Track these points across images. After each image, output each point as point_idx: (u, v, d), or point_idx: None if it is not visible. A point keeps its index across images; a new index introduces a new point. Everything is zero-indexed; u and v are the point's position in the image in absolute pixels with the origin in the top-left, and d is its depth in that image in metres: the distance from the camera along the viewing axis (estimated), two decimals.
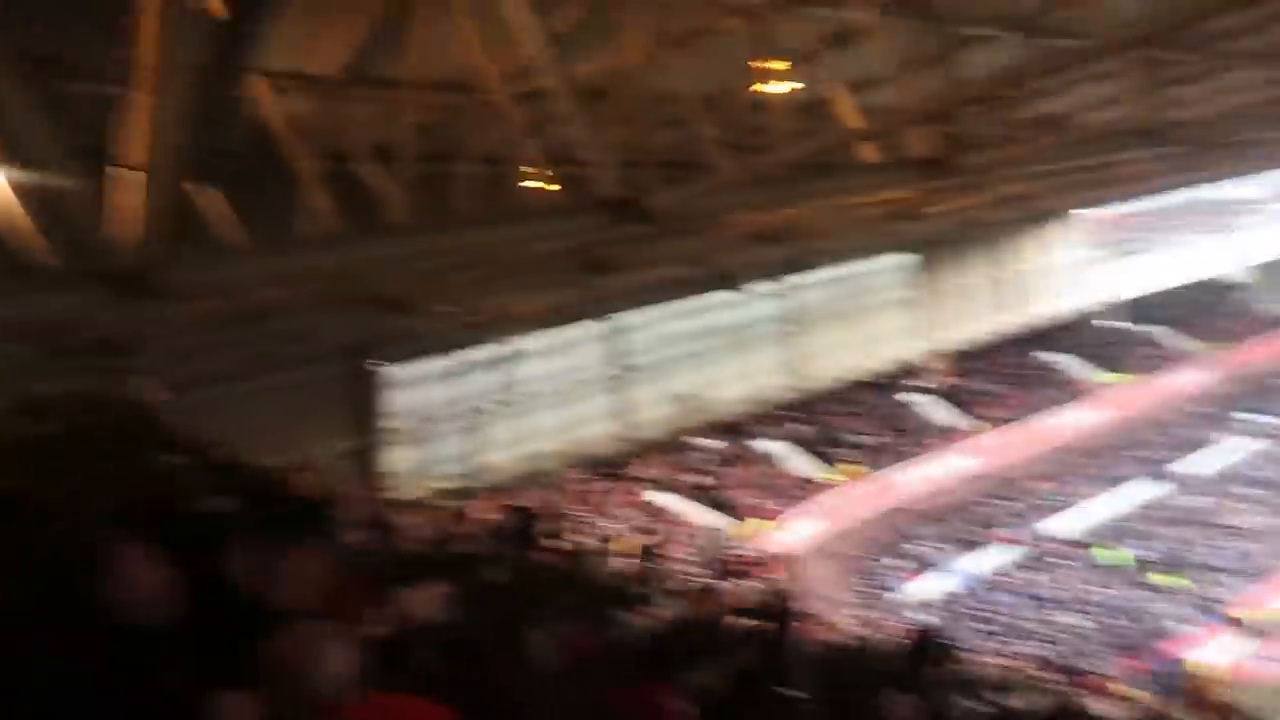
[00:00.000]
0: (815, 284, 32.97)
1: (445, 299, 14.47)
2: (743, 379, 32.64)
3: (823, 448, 31.92)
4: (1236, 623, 24.25)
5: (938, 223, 21.95)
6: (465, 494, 20.74)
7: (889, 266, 34.95)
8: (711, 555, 22.61)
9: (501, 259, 10.74)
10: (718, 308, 31.74)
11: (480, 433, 26.39)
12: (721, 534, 25.14)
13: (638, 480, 27.51)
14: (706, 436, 31.13)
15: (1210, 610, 24.69)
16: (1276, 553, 27.11)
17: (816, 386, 33.25)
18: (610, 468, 28.06)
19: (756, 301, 32.71)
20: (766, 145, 9.63)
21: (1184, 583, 25.40)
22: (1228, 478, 31.60)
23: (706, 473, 29.06)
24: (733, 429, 32.11)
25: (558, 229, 8.72)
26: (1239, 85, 9.79)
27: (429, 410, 25.48)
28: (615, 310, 28.82)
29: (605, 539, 16.34)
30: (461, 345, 25.05)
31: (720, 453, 30.76)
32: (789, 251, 20.58)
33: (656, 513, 25.70)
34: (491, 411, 26.71)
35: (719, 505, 27.20)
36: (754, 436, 32.00)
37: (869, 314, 34.24)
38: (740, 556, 23.44)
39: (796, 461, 30.90)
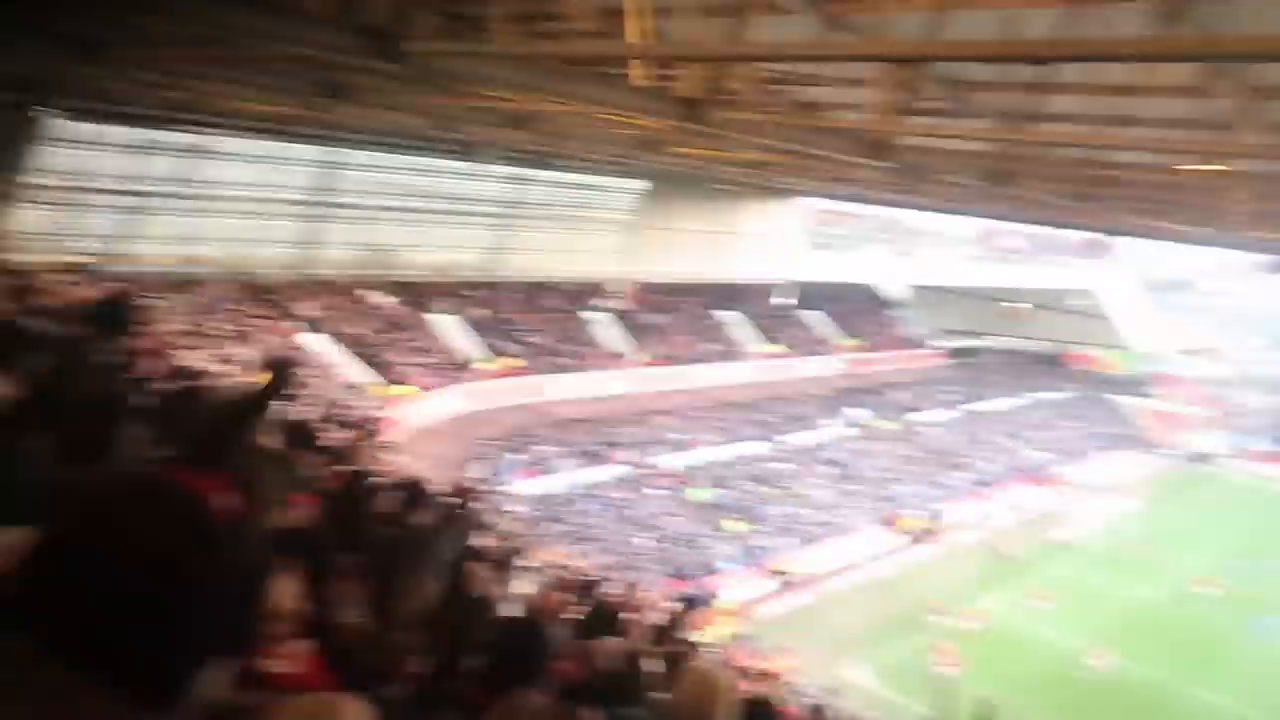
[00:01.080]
0: (544, 181, 34.30)
1: (141, 62, 13.22)
2: (441, 250, 33.77)
3: (493, 337, 34.28)
4: (772, 572, 30.19)
5: (675, 162, 23.59)
6: (92, 274, 20.14)
7: (616, 188, 37.03)
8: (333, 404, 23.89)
9: (229, 41, 10.25)
10: (443, 174, 32.18)
11: (141, 218, 25.30)
12: (360, 387, 26.47)
13: (295, 317, 27.98)
14: (384, 293, 32.18)
15: (756, 557, 30.45)
16: (826, 522, 33.73)
17: (509, 277, 35.23)
18: (271, 295, 28.26)
19: (483, 181, 33.53)
20: (551, 32, 9.92)
21: (744, 528, 30.95)
22: (814, 453, 38.16)
23: (369, 328, 30.19)
24: (412, 293, 33.40)
25: (302, 35, 8.13)
26: (966, 130, 10.98)
27: (91, 178, 23.92)
28: (338, 141, 28.31)
29: (228, 360, 16.88)
30: (154, 119, 23.36)
31: (392, 312, 31.98)
32: (532, 141, 21.46)
33: (303, 353, 26.45)
34: (162, 200, 25.63)
35: (370, 362, 28.53)
36: (430, 308, 33.57)
37: (583, 226, 36.46)
38: (366, 415, 25.05)
39: (462, 341, 32.89)
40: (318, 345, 27.23)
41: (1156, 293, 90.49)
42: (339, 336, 28.55)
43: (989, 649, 26.90)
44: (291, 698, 2.04)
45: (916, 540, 35.25)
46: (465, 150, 26.98)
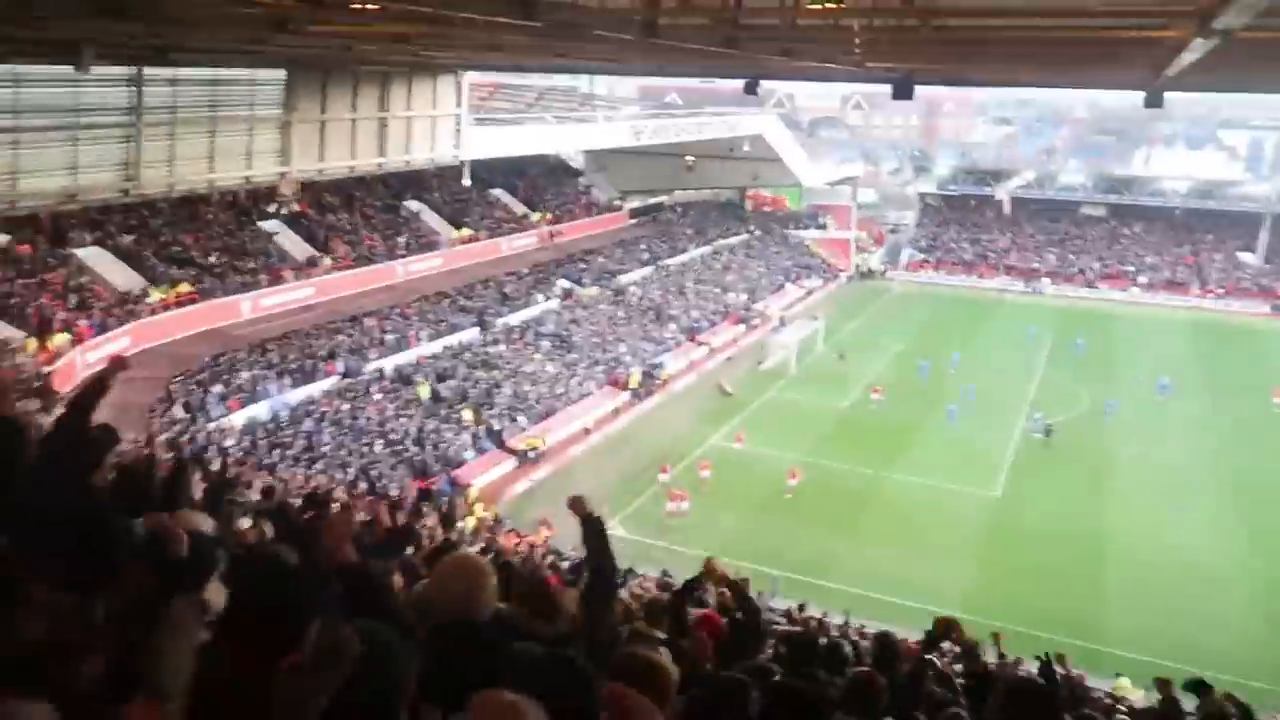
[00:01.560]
0: (167, 79, 30.58)
1: None
2: (61, 173, 29.25)
3: (154, 264, 30.74)
4: (513, 451, 30.67)
5: (312, 43, 22.01)
6: None
7: (253, 80, 33.89)
8: None
9: None
10: (45, 82, 27.61)
11: None
12: (8, 346, 22.94)
13: None
14: (3, 232, 27.63)
15: (495, 440, 30.74)
16: (554, 394, 34.60)
17: (153, 194, 31.47)
18: None
19: (96, 87, 29.19)
20: None
21: (475, 415, 31.01)
22: (528, 331, 38.68)
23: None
24: (41, 227, 28.97)
25: None
26: None
27: None
28: None
29: None
30: None
31: (20, 253, 27.63)
32: (147, 33, 18.69)
33: None
34: None
35: (12, 315, 24.67)
36: (68, 241, 29.34)
37: (225, 126, 33.05)
38: (37, 375, 21.92)
39: (115, 274, 29.24)
40: None
41: (809, 130, 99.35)
42: None
43: (716, 482, 29.46)
44: None
45: (641, 396, 37.19)
46: (69, 53, 23.22)
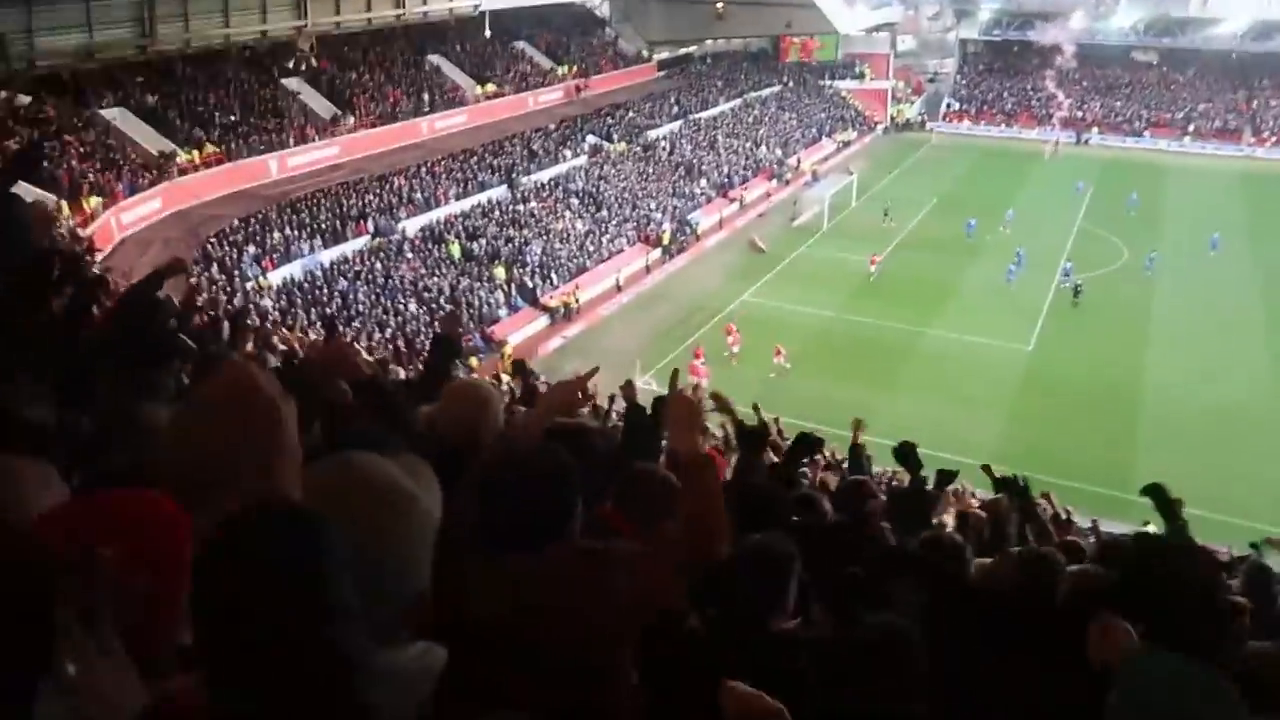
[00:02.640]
0: None
1: None
2: (74, 30, 28.71)
3: (178, 123, 30.51)
4: (545, 309, 30.93)
5: None
6: None
7: None
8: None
9: None
10: None
11: None
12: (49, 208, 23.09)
13: None
14: (24, 92, 27.38)
15: (527, 298, 30.97)
16: (586, 251, 34.56)
17: (170, 50, 30.92)
18: None
19: None
20: None
21: (505, 274, 31.13)
22: (558, 187, 38.32)
23: (20, 136, 25.86)
24: (58, 89, 28.68)
25: None
26: None
27: None
28: None
29: None
30: None
31: (44, 115, 27.45)
32: None
33: None
34: None
35: (42, 178, 24.70)
36: (90, 102, 29.09)
37: None
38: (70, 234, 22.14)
39: (143, 135, 29.10)
40: None
41: None
42: None
43: (759, 328, 29.54)
44: None
45: (673, 253, 37.06)
46: None
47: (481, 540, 2.05)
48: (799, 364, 27.78)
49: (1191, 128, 59.09)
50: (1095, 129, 60.06)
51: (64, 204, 23.95)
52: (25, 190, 22.46)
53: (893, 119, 62.70)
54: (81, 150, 26.79)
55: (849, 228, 41.42)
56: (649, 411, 4.64)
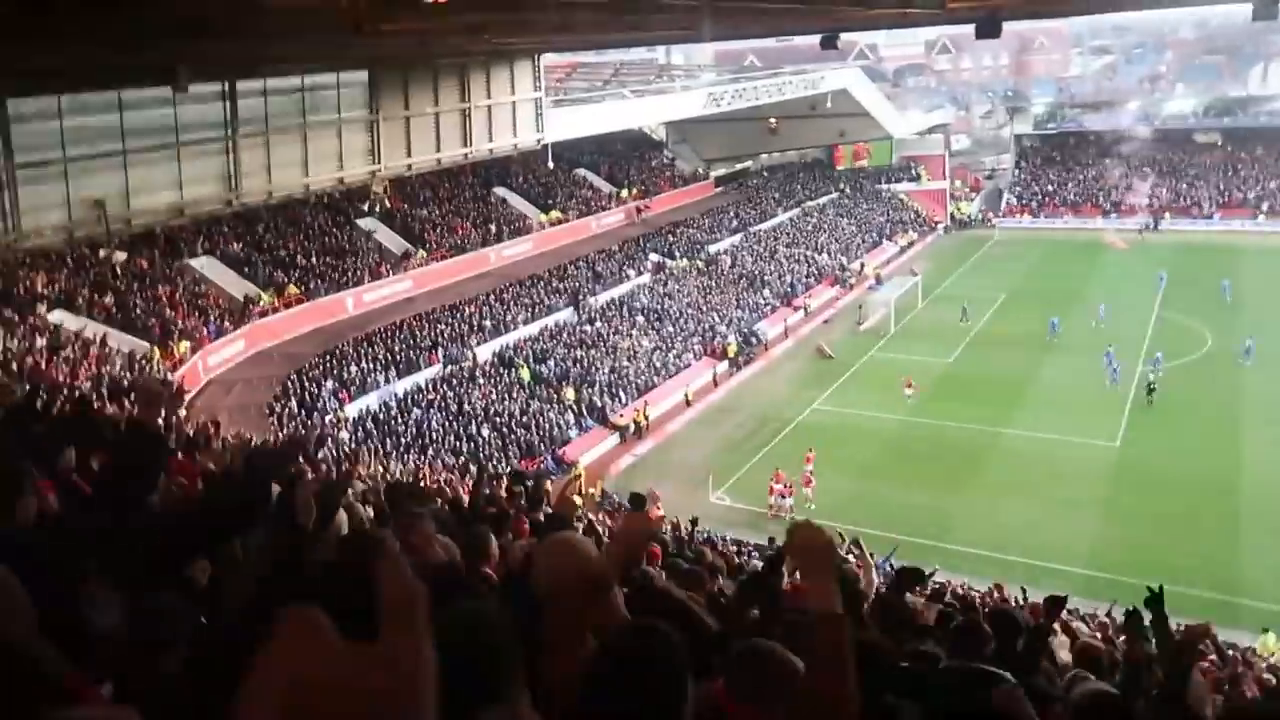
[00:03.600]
0: (256, 91, 31.89)
1: None
2: (170, 188, 30.85)
3: (261, 269, 32.15)
4: (615, 427, 31.09)
5: (393, 41, 22.71)
6: None
7: (339, 84, 34.94)
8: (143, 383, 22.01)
9: None
10: (147, 105, 29.21)
11: None
12: (137, 357, 24.38)
13: (31, 296, 25.05)
14: (122, 249, 29.27)
15: (596, 417, 31.20)
16: (650, 369, 34.87)
17: (254, 202, 32.83)
18: None
19: (193, 104, 30.75)
20: None
21: (574, 395, 31.51)
22: (623, 307, 39.01)
23: (121, 290, 27.56)
24: (156, 242, 30.60)
25: None
26: None
27: None
28: (8, 92, 25.08)
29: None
30: None
31: (140, 268, 29.26)
32: (232, 48, 19.70)
33: (59, 334, 23.86)
34: None
35: (136, 328, 26.18)
36: (181, 253, 30.94)
37: (316, 131, 34.23)
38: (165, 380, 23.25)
39: (228, 281, 30.71)
40: (72, 322, 24.57)
41: (894, 80, 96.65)
42: (91, 308, 25.89)
43: (830, 435, 29.19)
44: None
45: (740, 364, 37.17)
46: (166, 74, 24.49)
47: None
48: (875, 472, 27.29)
49: (1265, 206, 57.89)
50: (1166, 214, 58.99)
51: (155, 349, 25.27)
52: (122, 340, 23.75)
53: (953, 217, 62.85)
54: (171, 299, 28.34)
55: (917, 328, 41.16)
56: (769, 563, 4.58)
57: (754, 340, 39.06)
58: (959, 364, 36.49)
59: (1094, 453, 28.10)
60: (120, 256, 28.89)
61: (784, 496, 25.40)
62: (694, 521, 21.59)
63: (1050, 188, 65.16)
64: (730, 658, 2.69)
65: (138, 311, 26.86)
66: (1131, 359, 34.21)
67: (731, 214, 52.78)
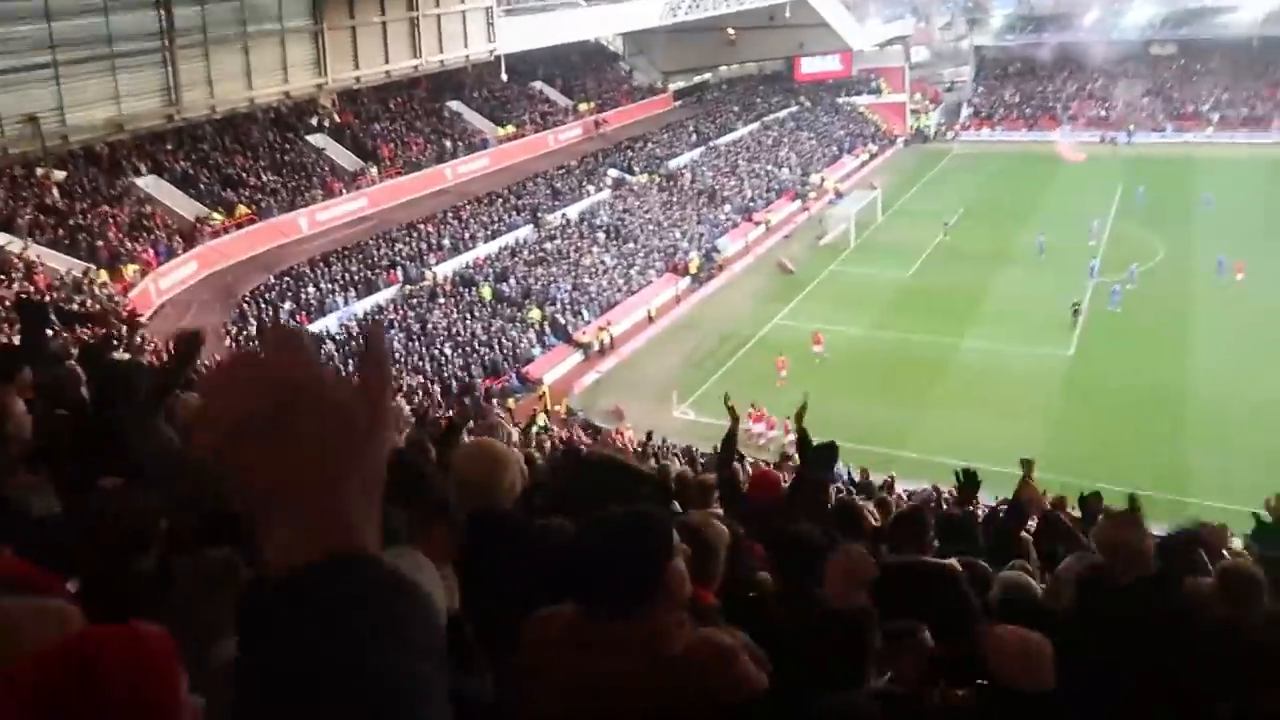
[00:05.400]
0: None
1: None
2: (107, 101, 29.57)
3: (209, 186, 31.18)
4: (579, 344, 31.04)
5: None
6: None
7: None
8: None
9: None
10: (75, 12, 27.84)
11: None
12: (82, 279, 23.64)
13: None
14: (60, 168, 28.15)
15: (560, 336, 31.10)
16: (615, 285, 34.71)
17: (197, 116, 31.64)
18: None
19: (124, 11, 29.38)
20: None
21: (539, 314, 31.32)
22: (583, 224, 38.59)
23: (63, 210, 26.60)
24: (97, 160, 29.47)
25: None
26: None
27: None
28: None
29: None
30: None
31: (78, 187, 28.20)
32: None
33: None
34: None
35: (77, 248, 25.34)
36: (125, 172, 29.84)
37: (257, 41, 32.85)
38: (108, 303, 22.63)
39: (176, 200, 29.76)
40: (8, 243, 23.65)
41: None
42: (30, 227, 24.95)
43: (793, 350, 29.35)
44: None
45: (702, 280, 37.12)
46: None
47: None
48: (836, 384, 27.57)
49: (1216, 118, 58.38)
50: (1131, 127, 58.72)
51: (104, 272, 24.53)
52: (68, 264, 23.04)
53: (913, 130, 62.60)
54: (118, 219, 27.42)
55: (877, 243, 41.30)
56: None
57: (714, 256, 38.95)
58: (919, 278, 36.79)
59: (1048, 363, 28.68)
60: (59, 175, 27.80)
61: (770, 428, 25.19)
62: (648, 435, 21.81)
63: (1010, 100, 65.04)
64: None
65: (82, 234, 25.96)
66: (1108, 274, 34.39)
67: (691, 128, 52.03)
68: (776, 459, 15.41)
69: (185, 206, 29.74)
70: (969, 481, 6.63)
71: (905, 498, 14.70)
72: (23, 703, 1.10)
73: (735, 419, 6.68)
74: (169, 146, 31.74)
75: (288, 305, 27.30)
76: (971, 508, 7.40)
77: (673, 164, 46.86)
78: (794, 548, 3.44)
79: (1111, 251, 37.13)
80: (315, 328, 27.13)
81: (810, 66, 62.98)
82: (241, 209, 30.68)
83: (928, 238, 40.82)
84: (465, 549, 2.65)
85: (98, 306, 20.62)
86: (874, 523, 6.39)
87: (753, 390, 26.17)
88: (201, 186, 30.81)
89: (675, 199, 43.71)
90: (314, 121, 37.11)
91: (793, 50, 62.00)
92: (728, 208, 44.09)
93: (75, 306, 19.81)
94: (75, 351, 8.22)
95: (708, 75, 61.10)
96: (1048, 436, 23.82)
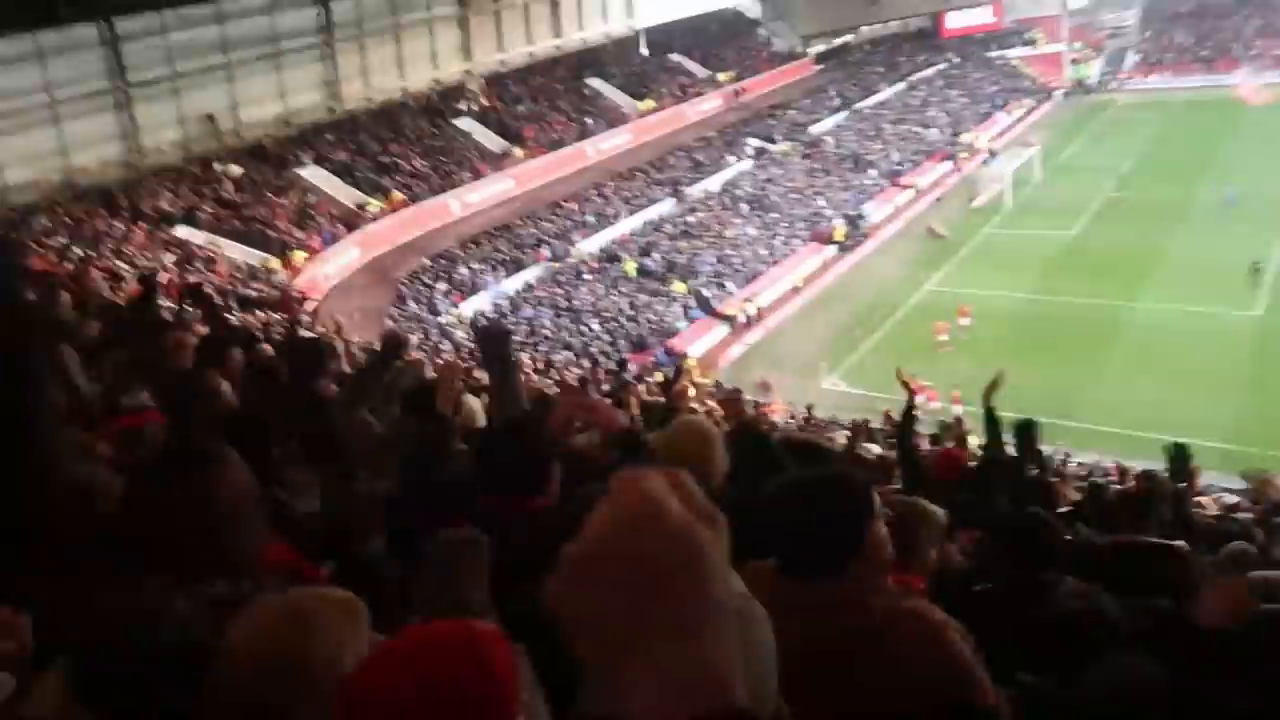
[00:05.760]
0: None
1: None
2: (274, 98, 31.42)
3: (363, 174, 32.52)
4: (724, 317, 30.80)
5: None
6: None
7: None
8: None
9: None
10: (245, 14, 29.68)
11: None
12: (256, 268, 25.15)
13: (151, 214, 25.93)
14: (233, 161, 29.96)
15: (706, 309, 30.95)
16: (759, 256, 34.24)
17: (354, 108, 33.04)
18: (114, 198, 26.04)
19: (290, 9, 31.11)
20: None
21: (683, 288, 31.23)
22: (725, 195, 38.18)
23: (234, 203, 28.31)
24: (263, 153, 31.19)
25: None
26: None
27: None
28: (108, 10, 25.70)
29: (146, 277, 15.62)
30: None
31: (250, 180, 29.94)
32: None
33: (183, 248, 24.69)
34: None
35: (252, 239, 26.93)
36: (289, 164, 31.47)
37: (408, 31, 34.07)
38: (282, 290, 23.96)
39: (335, 189, 31.19)
40: (198, 237, 25.39)
41: None
42: (209, 221, 26.68)
43: (947, 317, 28.17)
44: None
45: (848, 248, 36.15)
46: None
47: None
48: (994, 352, 26.31)
49: None
50: None
51: (276, 260, 26.03)
52: (244, 253, 24.56)
53: (1073, 83, 58.83)
54: (285, 209, 29.00)
55: (1037, 202, 39.11)
56: None
57: (860, 223, 37.83)
58: (1084, 238, 34.64)
59: (1234, 324, 26.49)
60: (236, 171, 29.58)
61: (931, 401, 24.14)
62: (809, 410, 21.41)
63: (1182, 43, 60.18)
64: None
65: (255, 224, 27.57)
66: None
67: (833, 92, 50.65)
68: (937, 431, 14.74)
69: (345, 195, 31.14)
70: (1180, 456, 6.11)
71: (1079, 471, 13.84)
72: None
73: (911, 392, 6.34)
74: (328, 137, 33.25)
75: (442, 286, 28.21)
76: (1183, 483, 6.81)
77: (815, 129, 45.74)
78: (1033, 538, 3.24)
79: None
80: (469, 306, 27.98)
81: (957, 20, 60.01)
82: (396, 195, 31.87)
83: (1093, 195, 38.38)
84: None
85: (275, 292, 21.82)
86: (1069, 503, 5.99)
87: (908, 360, 25.27)
88: (359, 175, 32.15)
89: (819, 166, 42.67)
90: (461, 106, 38.10)
91: (938, 4, 59.28)
92: (873, 173, 42.71)
93: (252, 293, 21.03)
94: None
95: (849, 36, 59.17)
96: (1235, 403, 22.09)
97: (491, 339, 4.46)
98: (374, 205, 31.00)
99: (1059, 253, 33.40)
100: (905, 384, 6.49)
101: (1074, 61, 59.95)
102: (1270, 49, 56.33)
